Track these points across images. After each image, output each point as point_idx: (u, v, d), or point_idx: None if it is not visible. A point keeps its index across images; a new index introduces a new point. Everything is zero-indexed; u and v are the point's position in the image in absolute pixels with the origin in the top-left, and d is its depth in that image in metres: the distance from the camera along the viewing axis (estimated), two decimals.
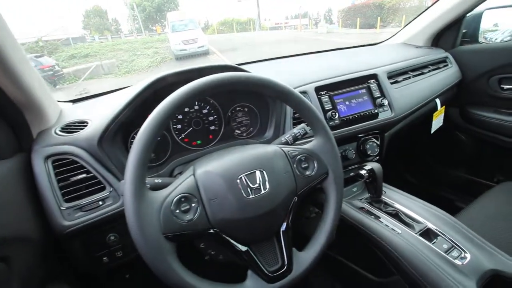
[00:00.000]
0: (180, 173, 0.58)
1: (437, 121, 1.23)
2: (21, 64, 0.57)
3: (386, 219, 0.77)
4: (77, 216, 0.60)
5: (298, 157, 0.58)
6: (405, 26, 1.46)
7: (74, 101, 0.92)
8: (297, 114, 0.83)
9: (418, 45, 1.38)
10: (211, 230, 0.48)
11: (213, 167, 0.52)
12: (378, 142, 0.99)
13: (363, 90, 0.98)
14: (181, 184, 0.49)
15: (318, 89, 0.90)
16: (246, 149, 0.57)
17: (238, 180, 0.50)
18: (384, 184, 0.86)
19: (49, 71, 7.19)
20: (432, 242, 0.68)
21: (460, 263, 0.63)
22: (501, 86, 1.19)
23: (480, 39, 1.30)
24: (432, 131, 1.23)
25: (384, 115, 0.97)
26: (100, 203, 0.62)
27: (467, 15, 1.23)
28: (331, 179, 0.60)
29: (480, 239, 0.68)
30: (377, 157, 1.00)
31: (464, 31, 1.31)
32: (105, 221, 0.62)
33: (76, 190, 0.62)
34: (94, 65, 9.65)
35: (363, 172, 0.82)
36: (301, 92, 0.86)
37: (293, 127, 0.72)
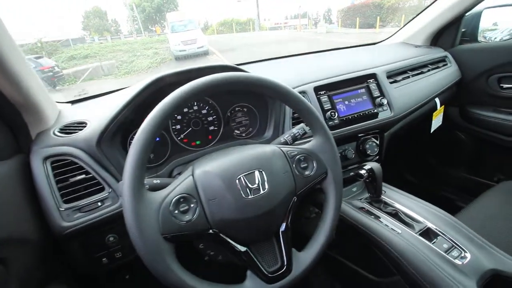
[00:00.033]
0: (179, 174, 0.58)
1: (437, 120, 1.23)
2: (19, 65, 0.57)
3: (386, 219, 0.77)
4: (76, 217, 0.60)
5: (297, 157, 0.58)
6: (404, 25, 1.46)
7: (73, 102, 0.92)
8: (296, 114, 0.83)
9: (417, 44, 1.38)
10: (210, 231, 0.48)
11: (212, 168, 0.51)
12: (378, 142, 0.98)
13: (362, 90, 0.97)
14: (180, 184, 0.49)
15: (317, 89, 0.90)
16: (245, 149, 0.57)
17: (237, 181, 0.50)
18: (383, 183, 0.86)
19: (49, 72, 7.18)
20: (432, 242, 0.68)
21: (460, 263, 0.63)
22: (501, 85, 1.19)
23: (480, 38, 1.30)
24: (432, 130, 1.23)
25: (384, 114, 0.97)
26: (99, 204, 0.62)
27: (466, 14, 1.23)
28: (330, 179, 0.59)
29: (480, 239, 0.68)
30: (377, 157, 1.00)
31: (463, 30, 1.31)
32: (104, 222, 0.62)
33: (75, 191, 0.62)
34: (92, 66, 9.65)
35: (362, 172, 0.81)
36: (300, 92, 0.86)
37: (293, 127, 0.72)
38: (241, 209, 0.49)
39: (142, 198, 0.44)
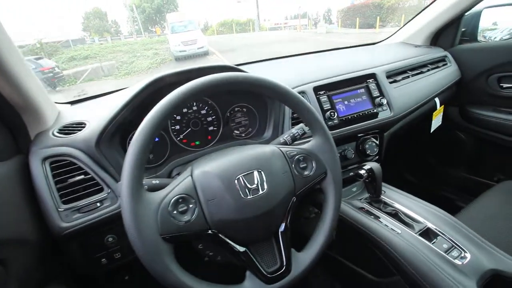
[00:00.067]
0: (179, 174, 0.57)
1: (437, 120, 1.23)
2: (18, 66, 0.57)
3: (385, 219, 0.76)
4: (75, 217, 0.60)
5: (297, 157, 0.58)
6: (404, 25, 1.46)
7: (72, 102, 0.92)
8: (296, 114, 0.83)
9: (417, 44, 1.38)
10: (209, 231, 0.48)
11: (211, 168, 0.51)
12: (377, 142, 0.98)
13: (362, 90, 0.97)
14: (179, 185, 0.49)
15: (316, 89, 0.90)
16: (244, 150, 0.57)
17: (236, 181, 0.50)
18: (383, 184, 0.86)
19: (49, 73, 7.19)
20: (432, 242, 0.68)
21: (460, 263, 0.62)
22: (500, 84, 1.18)
23: (479, 37, 1.30)
24: (432, 130, 1.23)
25: (383, 114, 0.97)
26: (98, 204, 0.62)
27: (466, 13, 1.23)
28: (329, 179, 0.59)
29: (480, 239, 0.68)
30: (377, 157, 1.00)
31: (463, 29, 1.30)
32: (103, 222, 0.62)
33: (74, 191, 0.62)
34: (92, 67, 9.65)
35: (362, 172, 0.81)
36: (299, 92, 0.86)
37: (292, 127, 0.72)
38: (240, 210, 0.49)
39: (141, 199, 0.44)
